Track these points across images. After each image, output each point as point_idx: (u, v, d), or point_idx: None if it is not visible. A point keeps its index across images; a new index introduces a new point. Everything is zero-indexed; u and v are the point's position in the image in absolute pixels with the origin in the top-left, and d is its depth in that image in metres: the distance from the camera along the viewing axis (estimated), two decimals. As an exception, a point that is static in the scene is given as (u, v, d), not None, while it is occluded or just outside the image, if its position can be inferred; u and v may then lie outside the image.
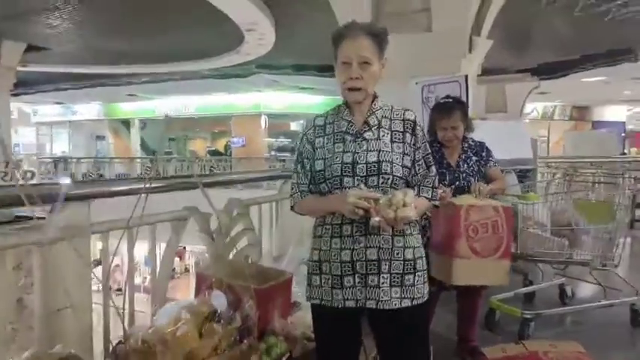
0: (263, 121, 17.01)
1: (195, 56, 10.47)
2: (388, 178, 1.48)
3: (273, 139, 18.70)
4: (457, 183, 2.51)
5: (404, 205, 1.37)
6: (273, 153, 17.75)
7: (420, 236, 1.58)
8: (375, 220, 1.35)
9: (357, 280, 1.47)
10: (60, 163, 16.95)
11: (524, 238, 2.85)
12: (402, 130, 1.54)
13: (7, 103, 9.74)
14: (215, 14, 6.86)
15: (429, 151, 1.60)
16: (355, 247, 1.47)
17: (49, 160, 17.79)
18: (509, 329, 2.96)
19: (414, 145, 1.55)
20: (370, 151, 1.49)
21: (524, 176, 3.89)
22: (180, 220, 2.19)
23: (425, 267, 1.56)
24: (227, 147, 18.34)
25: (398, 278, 1.48)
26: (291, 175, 1.63)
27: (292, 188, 1.61)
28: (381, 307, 1.46)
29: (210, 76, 12.50)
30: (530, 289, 3.50)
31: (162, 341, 1.25)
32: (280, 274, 1.98)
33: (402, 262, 1.49)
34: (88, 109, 19.39)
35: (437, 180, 1.61)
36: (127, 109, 18.77)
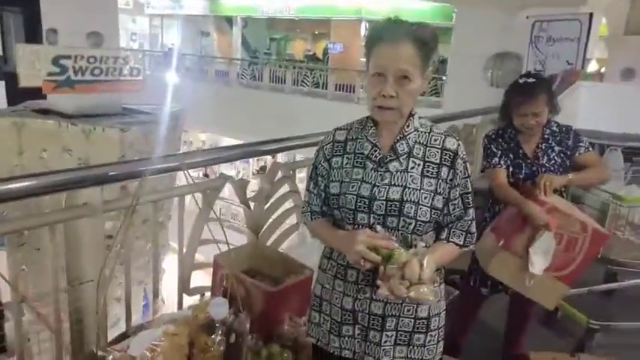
0: (363, 28, 16.11)
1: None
2: (410, 223, 1.21)
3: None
4: (535, 178, 2.09)
5: (419, 282, 1.11)
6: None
7: (441, 287, 1.33)
8: (382, 293, 1.12)
9: (357, 331, 1.29)
10: (168, 57, 17.85)
11: (611, 242, 2.40)
12: (438, 161, 1.23)
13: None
14: None
15: (470, 189, 1.28)
16: (359, 297, 1.27)
17: (159, 53, 18.78)
18: (572, 331, 2.65)
19: (450, 181, 1.24)
20: (393, 185, 1.21)
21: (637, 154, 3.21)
22: (212, 190, 2.11)
23: (442, 323, 1.33)
24: (325, 52, 17.86)
25: (405, 337, 1.28)
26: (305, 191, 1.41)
27: (303, 206, 1.40)
28: None
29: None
30: (611, 286, 3.02)
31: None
32: (301, 270, 1.86)
33: (412, 320, 1.27)
34: (195, 4, 19.66)
35: (474, 225, 1.30)
36: (230, 5, 18.75)
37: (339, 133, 1.32)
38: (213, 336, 1.44)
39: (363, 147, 1.26)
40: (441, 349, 1.34)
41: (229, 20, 19.44)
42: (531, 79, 2.06)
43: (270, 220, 2.41)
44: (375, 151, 1.25)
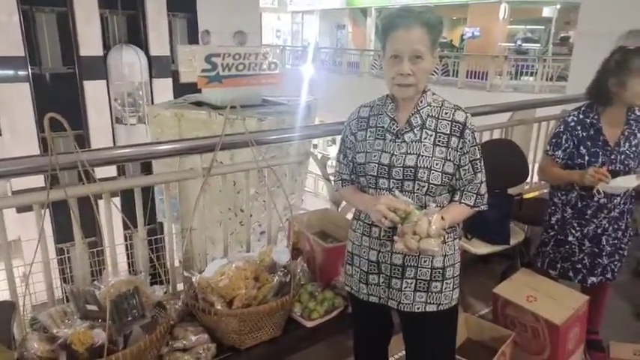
0: (502, 10, 15.18)
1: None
2: (424, 186, 1.37)
3: (521, 26, 16.70)
4: (612, 167, 1.97)
5: (428, 236, 1.28)
6: (518, 43, 16.03)
7: (455, 242, 1.47)
8: (398, 247, 1.31)
9: (381, 279, 1.48)
10: (305, 51, 19.00)
11: None
12: (448, 132, 1.37)
13: None
14: None
15: (478, 156, 1.40)
16: (381, 250, 1.46)
17: (299, 48, 20.05)
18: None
19: (460, 149, 1.37)
20: (409, 154, 1.38)
21: None
22: (297, 164, 2.47)
23: (457, 273, 1.48)
24: (462, 38, 17.24)
25: (424, 284, 1.44)
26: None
27: (335, 175, 1.62)
28: (402, 309, 1.47)
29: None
30: None
31: (207, 288, 1.64)
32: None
33: (429, 270, 1.44)
34: (332, -1, 20.51)
35: (484, 186, 1.43)
36: (365, -3, 19.18)
37: (363, 109, 1.51)
38: (273, 274, 1.79)
39: (383, 121, 1.45)
40: (457, 296, 1.49)
41: (364, 12, 19.90)
42: None
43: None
44: (393, 124, 1.43)
